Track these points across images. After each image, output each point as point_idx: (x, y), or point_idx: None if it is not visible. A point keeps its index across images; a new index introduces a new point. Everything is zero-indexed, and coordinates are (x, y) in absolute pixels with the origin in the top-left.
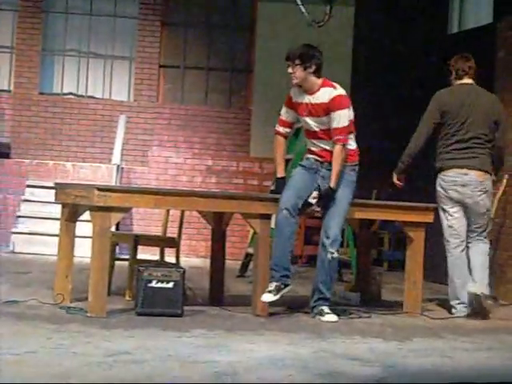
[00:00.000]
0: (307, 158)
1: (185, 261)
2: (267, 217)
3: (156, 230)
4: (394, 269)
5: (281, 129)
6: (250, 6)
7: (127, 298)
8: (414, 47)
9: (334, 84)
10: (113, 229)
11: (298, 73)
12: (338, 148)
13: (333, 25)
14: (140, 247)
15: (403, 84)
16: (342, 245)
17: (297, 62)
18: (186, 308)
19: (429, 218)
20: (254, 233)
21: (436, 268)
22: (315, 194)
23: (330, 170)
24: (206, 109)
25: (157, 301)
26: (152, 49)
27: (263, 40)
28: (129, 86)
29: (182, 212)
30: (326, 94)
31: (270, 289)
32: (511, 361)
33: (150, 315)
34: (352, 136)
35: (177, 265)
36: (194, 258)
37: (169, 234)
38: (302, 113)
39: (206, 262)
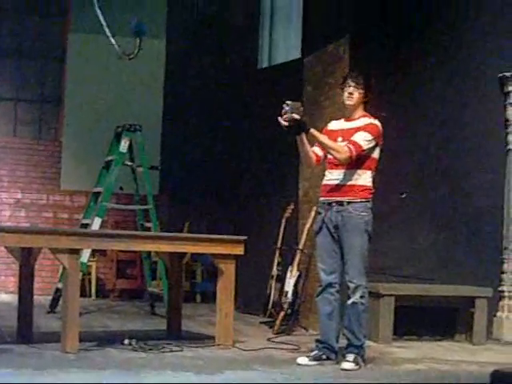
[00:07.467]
0: None
1: None
2: (75, 251)
3: None
4: (207, 301)
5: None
6: (60, 37)
7: None
8: (224, 81)
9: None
10: None
11: (356, 96)
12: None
13: (144, 57)
14: None
15: (215, 117)
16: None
17: (361, 87)
18: None
19: (239, 250)
20: (64, 268)
21: (250, 299)
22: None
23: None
24: (14, 140)
25: None
26: None
27: (74, 71)
28: None
29: None
30: (363, 121)
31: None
32: None
33: None
34: (371, 175)
35: None
36: (2, 294)
37: None
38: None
39: (15, 298)
